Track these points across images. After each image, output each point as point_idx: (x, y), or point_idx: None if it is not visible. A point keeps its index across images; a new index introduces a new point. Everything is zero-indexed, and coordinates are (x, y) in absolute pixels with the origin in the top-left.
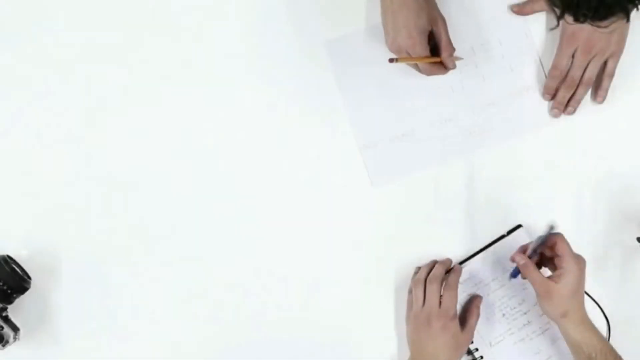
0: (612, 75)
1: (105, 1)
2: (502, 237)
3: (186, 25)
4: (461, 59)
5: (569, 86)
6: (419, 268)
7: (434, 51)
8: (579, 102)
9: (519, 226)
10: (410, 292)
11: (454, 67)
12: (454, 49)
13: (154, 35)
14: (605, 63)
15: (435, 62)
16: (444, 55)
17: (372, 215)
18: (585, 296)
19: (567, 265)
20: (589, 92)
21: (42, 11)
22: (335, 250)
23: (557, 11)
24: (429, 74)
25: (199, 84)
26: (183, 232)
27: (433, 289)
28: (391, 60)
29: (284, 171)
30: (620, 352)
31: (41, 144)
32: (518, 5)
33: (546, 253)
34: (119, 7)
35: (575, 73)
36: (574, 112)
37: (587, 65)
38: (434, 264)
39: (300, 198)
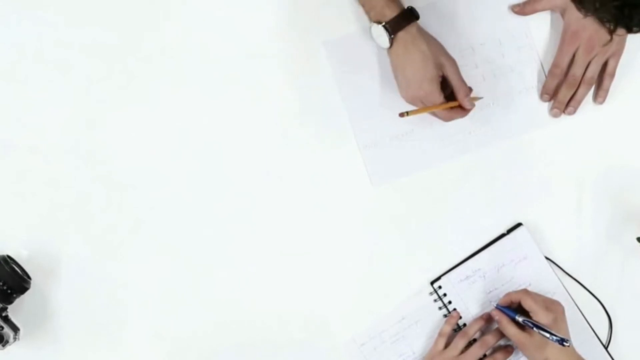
0: (613, 75)
1: (106, 1)
2: (502, 235)
3: (185, 26)
4: (480, 98)
5: (571, 85)
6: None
7: (453, 95)
8: (579, 103)
9: (519, 224)
10: (439, 334)
11: (473, 106)
12: (469, 90)
13: (153, 35)
14: (606, 63)
15: (452, 107)
16: (460, 97)
17: (372, 215)
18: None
19: (537, 318)
20: (590, 92)
21: (43, 11)
22: (335, 249)
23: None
24: (447, 119)
25: (198, 84)
26: (184, 232)
27: (460, 340)
28: (401, 115)
29: (283, 171)
30: (621, 349)
31: (41, 144)
32: (519, 5)
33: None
34: (119, 8)
35: (577, 71)
36: (574, 112)
37: (589, 64)
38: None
39: (300, 198)
